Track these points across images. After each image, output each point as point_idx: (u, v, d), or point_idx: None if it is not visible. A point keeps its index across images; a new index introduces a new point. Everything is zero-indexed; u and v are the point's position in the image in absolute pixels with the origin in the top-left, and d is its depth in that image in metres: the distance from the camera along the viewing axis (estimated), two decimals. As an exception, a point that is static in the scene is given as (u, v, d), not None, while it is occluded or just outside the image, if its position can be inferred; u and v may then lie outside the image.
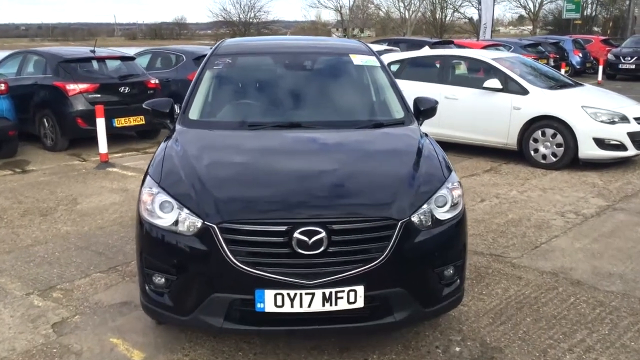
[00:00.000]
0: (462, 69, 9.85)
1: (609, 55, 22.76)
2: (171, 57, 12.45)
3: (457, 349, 3.83)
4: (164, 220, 3.46)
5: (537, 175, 8.33)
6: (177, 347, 3.84)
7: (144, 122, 10.62)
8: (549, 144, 8.59)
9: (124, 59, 11.11)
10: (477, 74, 9.58)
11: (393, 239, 3.34)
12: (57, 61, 10.30)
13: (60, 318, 4.27)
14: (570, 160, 8.45)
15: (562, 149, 8.47)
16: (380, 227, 3.35)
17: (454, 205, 3.63)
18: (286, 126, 4.37)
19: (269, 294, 3.28)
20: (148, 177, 3.74)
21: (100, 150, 9.14)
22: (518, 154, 8.99)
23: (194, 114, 4.61)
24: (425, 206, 3.50)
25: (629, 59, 22.19)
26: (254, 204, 3.41)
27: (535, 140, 8.70)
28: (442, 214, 3.57)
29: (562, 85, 9.31)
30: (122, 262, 5.28)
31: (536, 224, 6.26)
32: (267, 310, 3.31)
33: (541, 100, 8.65)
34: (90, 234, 6.04)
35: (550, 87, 9.04)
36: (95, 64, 10.69)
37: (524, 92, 8.79)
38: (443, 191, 3.62)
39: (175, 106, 4.77)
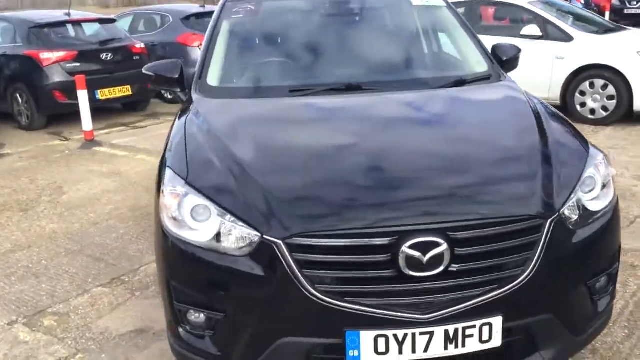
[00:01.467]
0: (494, 16, 8.72)
1: (614, 0, 21.62)
2: (155, 19, 11.12)
3: None
4: (200, 233, 2.37)
5: (588, 133, 7.28)
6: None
7: (130, 93, 9.42)
8: (598, 96, 7.56)
9: (103, 21, 9.80)
10: (512, 21, 8.46)
11: (540, 246, 2.29)
12: (27, 27, 8.99)
13: (58, 359, 3.19)
14: (622, 114, 7.44)
15: (614, 101, 7.46)
16: (522, 230, 2.29)
17: (604, 189, 2.58)
18: (340, 90, 3.25)
19: (367, 336, 2.23)
20: (168, 171, 2.63)
21: (84, 128, 7.95)
22: (561, 109, 7.93)
23: (213, 78, 3.48)
24: (573, 194, 2.44)
25: (635, 3, 21.07)
26: (337, 207, 2.32)
27: (582, 93, 7.67)
28: (592, 202, 2.52)
29: (607, 29, 8.23)
30: (128, 270, 4.19)
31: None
32: (363, 359, 2.25)
33: (588, 48, 7.58)
34: (83, 233, 4.93)
35: (597, 32, 7.95)
36: (71, 28, 9.37)
37: (567, 38, 7.72)
38: (590, 170, 2.56)
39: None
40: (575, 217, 2.43)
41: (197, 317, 2.46)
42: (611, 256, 2.61)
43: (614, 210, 2.60)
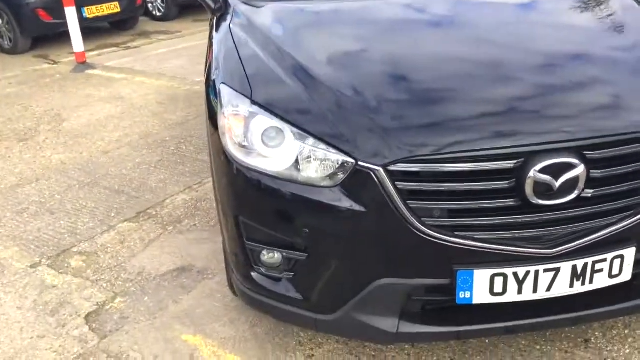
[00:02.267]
0: None
1: None
2: None
3: None
4: (273, 160, 1.98)
5: None
6: (290, 343, 2.50)
7: (119, 10, 8.81)
8: None
9: None
10: None
11: (681, 164, 1.93)
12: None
13: (95, 304, 2.86)
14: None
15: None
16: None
17: None
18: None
19: (482, 276, 1.90)
20: (225, 88, 2.21)
21: (75, 49, 7.38)
22: None
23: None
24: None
25: None
26: (449, 125, 1.93)
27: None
28: None
29: None
30: (153, 202, 3.82)
31: None
32: (476, 301, 1.93)
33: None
34: (94, 163, 4.51)
35: None
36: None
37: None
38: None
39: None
40: None
41: (271, 257, 2.11)
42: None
43: None
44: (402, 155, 1.84)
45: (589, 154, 1.84)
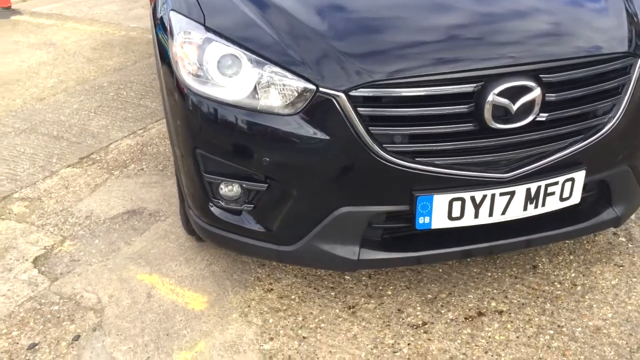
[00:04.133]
0: None
1: None
2: None
3: (642, 232, 2.70)
4: (230, 89, 1.94)
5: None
6: (249, 279, 2.50)
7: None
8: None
9: None
10: None
11: (630, 89, 2.01)
12: None
13: (43, 248, 2.77)
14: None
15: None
16: (613, 70, 2.00)
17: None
18: None
19: (441, 200, 1.94)
20: (174, 15, 2.13)
21: (-1, -7, 6.94)
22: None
23: None
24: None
25: None
26: (410, 50, 1.93)
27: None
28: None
29: None
30: (96, 147, 3.69)
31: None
32: (434, 226, 1.98)
33: None
34: (29, 110, 4.31)
35: None
36: None
37: None
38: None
39: None
40: None
41: (230, 189, 2.08)
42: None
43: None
44: (362, 81, 1.83)
45: (545, 77, 1.88)
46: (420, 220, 1.97)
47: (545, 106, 1.91)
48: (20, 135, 3.92)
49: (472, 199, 1.95)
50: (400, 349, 2.15)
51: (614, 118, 2.01)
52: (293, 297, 2.41)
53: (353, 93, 1.83)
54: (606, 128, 2.01)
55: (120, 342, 2.22)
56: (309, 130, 1.88)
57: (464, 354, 2.13)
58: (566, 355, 2.10)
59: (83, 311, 2.38)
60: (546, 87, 1.89)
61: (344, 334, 2.23)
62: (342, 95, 1.83)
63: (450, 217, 1.97)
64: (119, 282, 2.52)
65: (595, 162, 2.05)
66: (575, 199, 2.07)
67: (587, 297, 2.35)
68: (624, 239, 2.67)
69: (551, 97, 1.91)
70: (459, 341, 2.18)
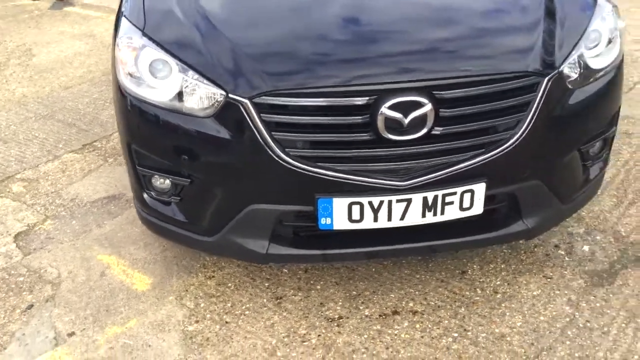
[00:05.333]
0: None
1: None
2: None
3: (586, 247, 2.74)
4: (160, 91, 2.15)
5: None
6: (195, 265, 2.71)
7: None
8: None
9: None
10: None
11: (534, 107, 2.09)
12: None
13: (26, 225, 3.08)
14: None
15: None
16: (516, 88, 2.08)
17: (609, 44, 2.34)
18: None
19: (340, 204, 2.08)
20: (124, 21, 2.36)
21: (55, -15, 7.42)
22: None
23: None
24: (575, 49, 2.20)
25: None
26: (310, 63, 2.09)
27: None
28: (595, 59, 2.29)
29: None
30: (100, 135, 4.00)
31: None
32: (336, 227, 2.13)
33: None
34: (54, 97, 4.68)
35: None
36: None
37: None
38: (596, 23, 2.31)
39: None
40: (575, 75, 2.21)
41: (162, 182, 2.30)
42: (609, 119, 2.42)
43: (617, 68, 2.37)
44: (266, 89, 2.00)
45: (438, 93, 1.99)
46: (323, 220, 2.12)
47: (440, 120, 2.02)
48: (39, 121, 4.28)
49: (370, 204, 2.08)
50: (309, 339, 2.31)
51: (517, 134, 2.09)
52: (229, 285, 2.60)
53: (257, 100, 2.00)
54: (508, 144, 2.09)
55: (65, 313, 2.48)
56: (220, 133, 2.07)
57: (366, 348, 2.27)
58: (462, 358, 2.21)
59: (42, 284, 2.66)
60: (439, 102, 2.00)
61: (263, 322, 2.40)
62: (248, 101, 2.00)
63: (350, 220, 2.11)
64: (81, 261, 2.79)
65: (497, 175, 2.14)
66: (477, 209, 2.16)
67: (503, 305, 2.44)
68: (563, 252, 2.72)
69: (445, 112, 2.01)
70: (365, 336, 2.32)
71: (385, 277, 2.61)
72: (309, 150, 2.05)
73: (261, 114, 2.01)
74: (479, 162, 2.09)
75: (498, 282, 2.56)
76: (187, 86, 2.10)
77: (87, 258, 2.81)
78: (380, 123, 1.98)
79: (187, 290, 2.58)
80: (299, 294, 2.54)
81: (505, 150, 2.10)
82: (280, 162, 2.03)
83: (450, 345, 2.26)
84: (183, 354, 2.28)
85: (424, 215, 2.13)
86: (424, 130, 2.01)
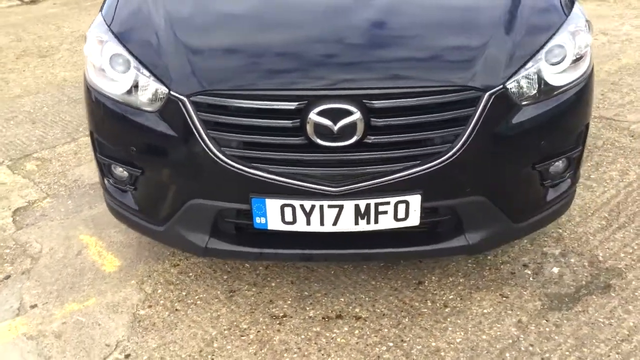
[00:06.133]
0: None
1: None
2: None
3: (555, 269, 2.65)
4: (118, 84, 2.25)
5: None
6: (165, 253, 2.82)
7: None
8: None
9: None
10: None
11: (474, 122, 2.04)
12: None
13: (26, 201, 3.29)
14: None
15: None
16: (453, 102, 2.04)
17: (577, 61, 2.25)
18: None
19: (273, 205, 2.12)
20: (98, 16, 2.49)
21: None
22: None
23: None
24: (530, 64, 2.13)
25: None
26: (245, 66, 2.14)
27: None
28: (558, 75, 2.21)
29: None
30: (120, 121, 4.17)
31: (660, 72, 4.72)
32: (270, 227, 2.17)
33: None
34: (91, 82, 4.91)
35: None
36: None
37: None
38: (561, 37, 2.22)
39: None
40: (531, 92, 2.15)
41: (120, 171, 2.41)
42: (573, 138, 2.33)
43: (584, 85, 2.28)
44: (203, 88, 2.06)
45: (368, 103, 1.99)
46: (258, 220, 2.17)
47: (372, 130, 2.02)
48: (70, 104, 4.54)
49: (302, 207, 2.11)
50: (247, 334, 2.37)
51: (454, 148, 2.06)
52: (190, 274, 2.70)
53: (194, 99, 2.07)
54: (446, 157, 2.06)
55: (34, 287, 2.65)
56: (164, 128, 2.15)
57: (299, 348, 2.30)
58: (390, 368, 2.20)
59: (24, 257, 2.84)
60: (371, 112, 1.99)
61: (210, 313, 2.48)
62: (186, 99, 2.07)
63: (284, 221, 2.15)
64: (64, 239, 2.96)
65: (434, 188, 2.11)
66: (413, 221, 2.15)
67: (449, 319, 2.40)
68: (529, 272, 2.64)
69: (377, 122, 2.01)
70: (302, 337, 2.35)
71: (341, 281, 2.62)
72: (244, 150, 2.09)
73: (199, 113, 2.07)
74: (414, 173, 2.07)
75: (451, 296, 2.52)
76: (138, 81, 2.19)
77: (70, 237, 2.97)
78: (309, 128, 2.00)
79: (149, 276, 2.69)
80: (253, 289, 2.60)
81: (443, 164, 2.07)
82: (217, 160, 2.09)
83: (382, 354, 2.26)
84: (127, 335, 2.38)
85: (357, 223, 2.13)
86: (354, 139, 2.01)
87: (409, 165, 2.07)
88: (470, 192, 2.16)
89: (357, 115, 1.98)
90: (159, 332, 2.40)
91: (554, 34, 2.22)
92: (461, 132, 2.06)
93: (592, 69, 2.35)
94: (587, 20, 2.36)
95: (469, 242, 2.23)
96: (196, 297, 2.56)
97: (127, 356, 2.30)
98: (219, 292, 2.59)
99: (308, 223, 2.14)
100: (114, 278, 2.69)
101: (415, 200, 2.10)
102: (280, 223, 2.15)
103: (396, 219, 2.13)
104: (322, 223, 2.13)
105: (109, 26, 2.36)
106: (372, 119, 2.01)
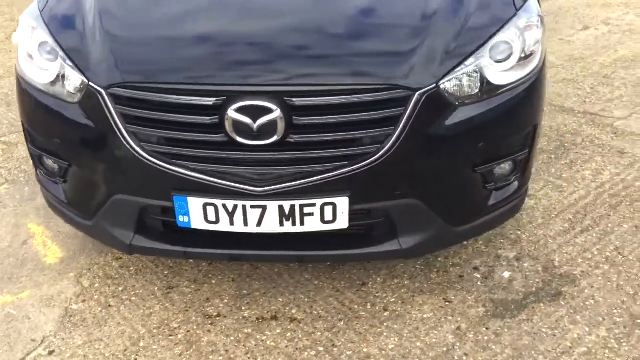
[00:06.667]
0: None
1: None
2: None
3: (506, 274, 2.54)
4: (44, 74, 2.19)
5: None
6: (106, 247, 2.74)
7: None
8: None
9: None
10: None
11: (403, 122, 1.93)
12: None
13: (-17, 188, 3.25)
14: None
15: None
16: (380, 101, 1.93)
17: (525, 59, 2.12)
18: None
19: (196, 203, 2.04)
20: (34, 2, 2.40)
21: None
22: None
23: None
24: (471, 62, 2.01)
25: None
26: (163, 60, 2.05)
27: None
28: (502, 74, 2.09)
29: None
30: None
31: (657, 65, 4.53)
32: (194, 226, 2.09)
33: None
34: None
35: None
36: None
37: None
38: (508, 33, 2.10)
39: None
40: (473, 91, 2.03)
41: (52, 163, 2.34)
42: (518, 139, 2.21)
43: (531, 83, 2.15)
44: (120, 80, 1.98)
45: (289, 100, 1.89)
46: (181, 218, 2.09)
47: (295, 128, 1.92)
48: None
49: (225, 206, 2.03)
50: (176, 334, 2.30)
51: (384, 149, 1.95)
52: (131, 268, 2.64)
53: (111, 91, 1.99)
54: (374, 158, 1.96)
55: (-28, 276, 2.61)
56: (84, 120, 2.08)
57: (226, 350, 2.23)
58: (315, 374, 2.13)
59: (-30, 246, 2.81)
60: (293, 110, 1.89)
61: (143, 311, 2.42)
62: (104, 92, 1.99)
63: (207, 220, 2.07)
64: (12, 227, 2.92)
65: (363, 190, 2.01)
66: (342, 224, 2.05)
67: (386, 324, 2.31)
68: (479, 276, 2.54)
69: (300, 120, 1.91)
70: (232, 338, 2.28)
71: (284, 280, 2.54)
72: (165, 146, 2.01)
73: (117, 106, 1.99)
74: (340, 174, 1.97)
75: (393, 299, 2.43)
76: (63, 71, 2.12)
77: (19, 225, 2.93)
78: (228, 126, 1.91)
79: (89, 269, 2.64)
80: (192, 286, 2.53)
81: (371, 165, 1.97)
82: (137, 156, 2.01)
83: (310, 359, 2.18)
84: (55, 331, 2.34)
85: (282, 224, 2.05)
86: (275, 137, 1.92)
87: (335, 166, 1.98)
88: (402, 195, 2.06)
89: (277, 113, 1.88)
90: (88, 328, 2.34)
91: (499, 30, 2.09)
92: (391, 132, 1.95)
93: (543, 65, 2.21)
94: (539, 16, 2.22)
95: (402, 246, 2.13)
96: (132, 293, 2.50)
97: (51, 352, 2.25)
98: (156, 289, 2.52)
99: (232, 223, 2.06)
100: (54, 270, 2.64)
101: (342, 202, 2.00)
102: (203, 222, 2.07)
103: (323, 221, 2.04)
104: (245, 223, 2.05)
105: (40, 12, 2.28)
106: (295, 117, 1.91)
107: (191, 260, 2.64)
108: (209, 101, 1.91)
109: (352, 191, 2.00)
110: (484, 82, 2.05)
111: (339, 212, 2.02)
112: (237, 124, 1.90)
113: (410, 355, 2.18)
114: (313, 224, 2.05)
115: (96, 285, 2.55)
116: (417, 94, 1.93)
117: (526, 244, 2.70)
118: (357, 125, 1.95)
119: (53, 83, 2.15)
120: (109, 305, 2.45)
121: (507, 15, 2.13)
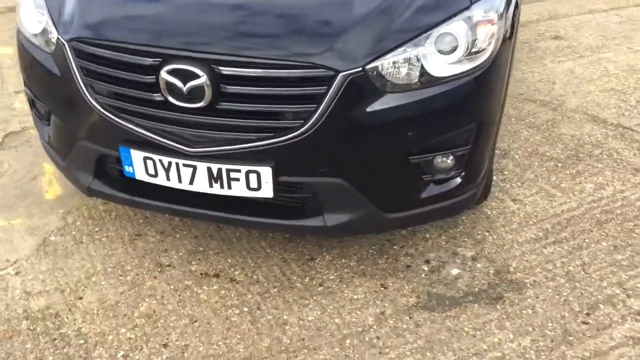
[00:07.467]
0: None
1: None
2: None
3: (455, 271, 2.53)
4: (36, 25, 2.44)
5: None
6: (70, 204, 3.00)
7: None
8: None
9: None
10: None
11: (326, 102, 2.00)
12: None
13: (21, 127, 3.64)
14: None
15: None
16: (303, 78, 2.01)
17: (475, 54, 2.10)
18: None
19: (137, 156, 2.22)
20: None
21: None
22: None
23: None
24: (407, 50, 2.03)
25: None
26: (115, 19, 2.23)
27: None
28: (446, 66, 2.08)
29: None
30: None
31: None
32: (138, 177, 2.27)
33: None
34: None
35: None
36: None
37: None
38: (454, 25, 2.08)
39: None
40: (411, 79, 2.06)
41: (40, 105, 2.60)
42: (460, 135, 2.19)
43: (476, 79, 2.13)
44: (78, 35, 2.20)
45: (217, 68, 2.01)
46: (127, 168, 2.28)
47: (223, 96, 2.04)
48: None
49: (161, 161, 2.19)
50: (125, 275, 2.51)
51: (306, 125, 2.02)
52: (113, 213, 2.88)
53: (72, 44, 2.21)
54: (297, 133, 2.04)
55: (-19, 200, 2.96)
56: (55, 69, 2.32)
57: (162, 296, 2.41)
58: (230, 329, 2.25)
59: (-10, 174, 3.17)
60: (222, 78, 2.01)
61: (107, 251, 2.65)
62: (66, 44, 2.22)
63: (147, 173, 2.24)
64: (30, 164, 3.27)
65: (287, 163, 2.10)
66: (267, 193, 2.15)
67: (315, 298, 2.39)
68: (426, 268, 2.54)
69: (226, 89, 2.02)
70: (172, 287, 2.45)
71: (240, 244, 2.68)
72: (114, 100, 2.20)
73: (77, 59, 2.20)
74: (264, 145, 2.07)
75: (332, 277, 2.49)
76: (45, 25, 2.36)
77: (35, 163, 3.27)
78: (162, 86, 2.06)
79: (78, 209, 2.90)
80: (157, 236, 2.73)
81: (294, 140, 2.05)
82: (91, 107, 2.22)
83: (230, 316, 2.31)
84: (28, 255, 2.62)
85: (211, 186, 2.18)
86: (203, 102, 2.04)
87: (260, 136, 2.07)
88: (326, 173, 2.12)
89: (203, 79, 2.00)
90: (56, 258, 2.60)
91: (444, 21, 2.08)
92: (313, 110, 2.01)
93: (495, 62, 2.17)
94: (498, 13, 2.17)
95: (325, 223, 2.19)
96: (104, 235, 2.74)
97: (18, 273, 2.53)
98: (126, 234, 2.74)
99: (168, 178, 2.22)
100: (48, 205, 2.93)
101: (266, 172, 2.10)
102: (144, 174, 2.25)
103: (249, 187, 2.15)
104: (180, 180, 2.20)
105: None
106: (222, 85, 2.02)
107: (167, 215, 2.84)
108: (147, 61, 2.07)
109: (276, 162, 2.09)
110: (422, 72, 2.05)
111: (263, 181, 2.12)
112: (170, 85, 2.05)
113: (325, 329, 2.25)
114: (239, 189, 2.16)
115: (77, 223, 2.81)
116: (341, 74, 1.98)
117: (489, 246, 2.66)
118: (281, 99, 2.03)
119: (39, 34, 2.39)
120: (81, 242, 2.69)
121: (458, 7, 2.11)
